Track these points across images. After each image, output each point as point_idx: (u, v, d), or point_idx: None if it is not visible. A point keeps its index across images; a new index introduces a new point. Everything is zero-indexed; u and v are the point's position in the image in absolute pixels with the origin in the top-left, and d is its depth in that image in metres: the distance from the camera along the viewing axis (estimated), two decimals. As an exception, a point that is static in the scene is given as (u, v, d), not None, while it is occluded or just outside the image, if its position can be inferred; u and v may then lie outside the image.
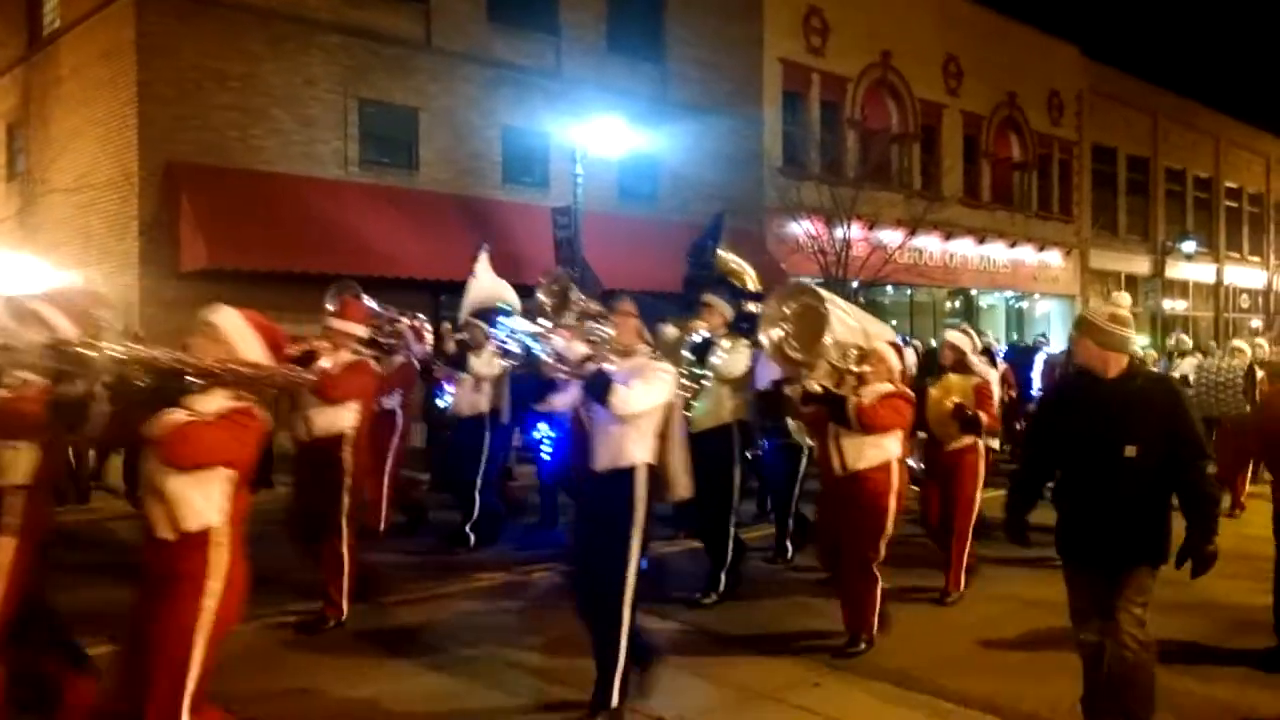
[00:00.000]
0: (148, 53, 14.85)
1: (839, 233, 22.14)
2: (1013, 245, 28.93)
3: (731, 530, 7.15)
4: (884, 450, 6.01)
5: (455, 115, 17.85)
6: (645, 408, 4.69)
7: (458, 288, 10.29)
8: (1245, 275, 39.14)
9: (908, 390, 6.22)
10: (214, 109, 15.23)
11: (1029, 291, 30.16)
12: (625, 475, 4.77)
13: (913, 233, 23.79)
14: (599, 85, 19.12)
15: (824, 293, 6.25)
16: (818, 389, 6.03)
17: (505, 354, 5.76)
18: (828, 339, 6.00)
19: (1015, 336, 27.71)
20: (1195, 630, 6.49)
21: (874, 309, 24.98)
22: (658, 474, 4.86)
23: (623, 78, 19.92)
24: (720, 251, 8.15)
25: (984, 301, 29.64)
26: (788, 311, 6.37)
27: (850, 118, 24.73)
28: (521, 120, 18.57)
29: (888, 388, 6.00)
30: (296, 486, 6.68)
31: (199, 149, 15.11)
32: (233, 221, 14.55)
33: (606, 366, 4.74)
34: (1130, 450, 4.24)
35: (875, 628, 5.97)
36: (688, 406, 6.89)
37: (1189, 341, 15.12)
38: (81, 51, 16.71)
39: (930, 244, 25.88)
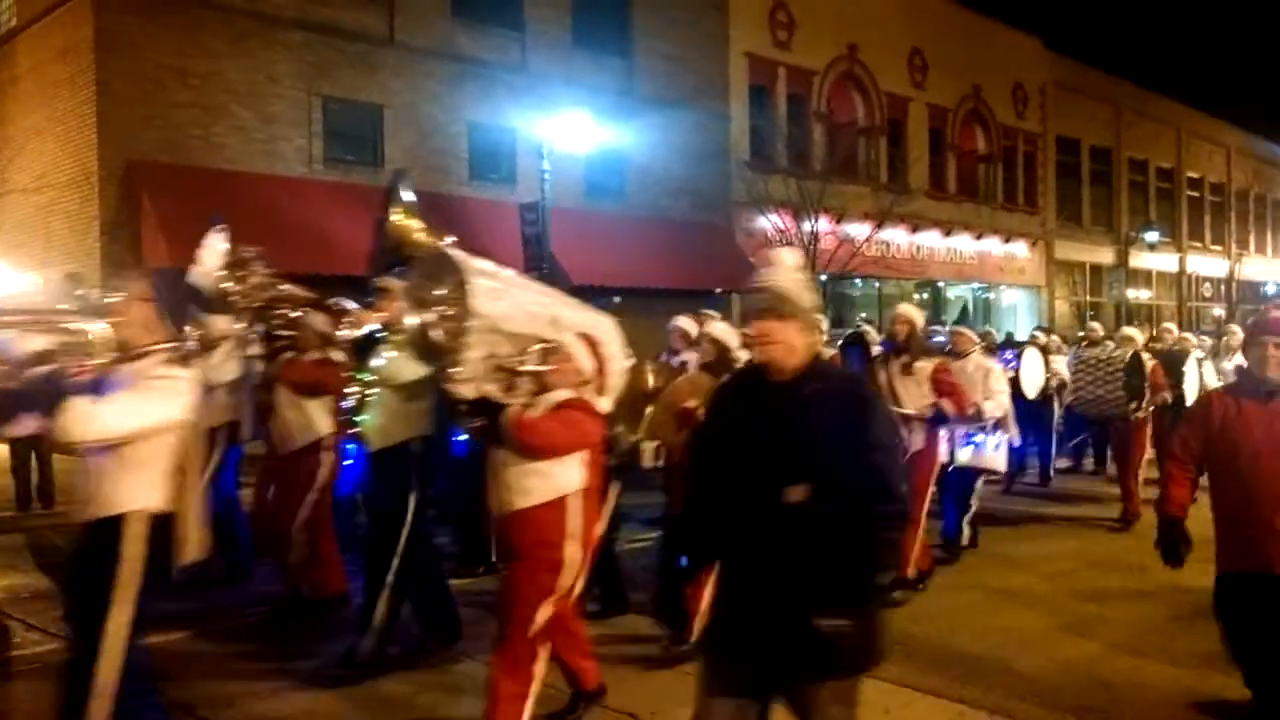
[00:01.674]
0: (106, 50, 14.68)
1: (806, 226, 22.24)
2: (979, 237, 29.18)
3: (390, 579, 5.38)
4: (552, 480, 4.29)
5: (420, 111, 17.75)
6: (128, 430, 3.41)
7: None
8: (1207, 264, 39.64)
9: (591, 400, 4.47)
10: (175, 107, 15.07)
11: (995, 283, 30.43)
12: (110, 527, 3.49)
13: (880, 225, 23.92)
14: (565, 80, 19.08)
15: (481, 264, 4.53)
16: (467, 394, 4.39)
17: None
18: (471, 323, 4.32)
19: (984, 328, 27.88)
20: (1157, 616, 6.57)
21: (843, 302, 25.23)
22: (168, 525, 3.63)
23: (588, 73, 19.87)
24: (395, 219, 5.68)
25: (951, 293, 29.85)
26: (439, 293, 4.61)
27: (817, 111, 24.82)
28: (487, 116, 18.50)
29: (565, 395, 4.34)
30: None
31: (160, 147, 14.95)
32: (195, 221, 14.21)
33: (79, 374, 3.46)
34: (797, 493, 2.85)
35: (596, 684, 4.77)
36: (352, 421, 5.66)
37: (1099, 329, 13.63)
38: (39, 50, 16.47)
39: (897, 236, 26.06)
